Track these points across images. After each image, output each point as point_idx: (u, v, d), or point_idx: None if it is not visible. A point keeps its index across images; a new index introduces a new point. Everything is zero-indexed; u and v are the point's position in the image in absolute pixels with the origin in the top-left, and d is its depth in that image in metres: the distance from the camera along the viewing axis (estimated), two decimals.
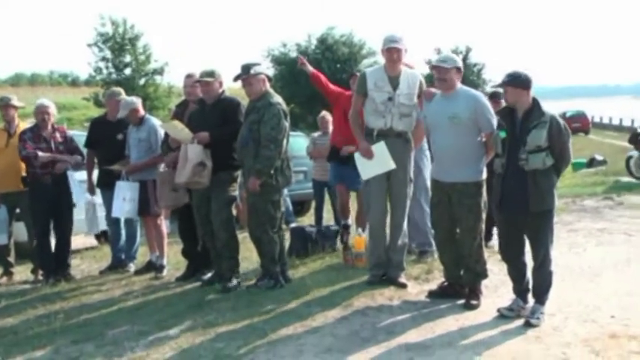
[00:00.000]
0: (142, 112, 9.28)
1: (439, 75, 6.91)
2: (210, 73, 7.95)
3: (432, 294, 7.21)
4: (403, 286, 7.48)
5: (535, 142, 6.24)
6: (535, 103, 6.37)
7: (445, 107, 6.87)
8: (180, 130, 7.91)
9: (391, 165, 7.36)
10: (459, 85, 6.99)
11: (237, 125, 7.73)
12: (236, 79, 7.76)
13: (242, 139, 7.57)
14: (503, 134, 6.44)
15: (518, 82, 6.39)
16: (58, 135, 9.34)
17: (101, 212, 9.88)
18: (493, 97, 8.92)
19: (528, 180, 6.30)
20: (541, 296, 6.48)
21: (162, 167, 8.57)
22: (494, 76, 58.42)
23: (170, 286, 8.41)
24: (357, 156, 7.57)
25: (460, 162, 6.84)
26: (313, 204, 12.57)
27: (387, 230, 7.82)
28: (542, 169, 6.28)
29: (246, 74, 7.58)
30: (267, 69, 7.60)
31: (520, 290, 6.67)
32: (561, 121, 6.35)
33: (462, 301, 6.95)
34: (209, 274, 8.30)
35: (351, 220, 9.98)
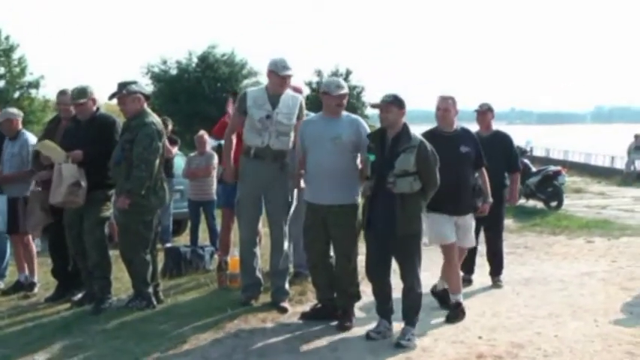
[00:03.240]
0: (19, 125, 9.05)
1: (339, 101, 7.00)
2: (82, 93, 7.81)
3: (305, 316, 7.24)
4: (284, 310, 7.45)
5: (403, 166, 6.37)
6: (405, 127, 6.52)
7: (327, 128, 6.93)
8: (53, 149, 7.74)
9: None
10: None
11: (112, 144, 7.62)
12: (111, 97, 7.70)
13: (115, 158, 7.47)
14: (372, 157, 6.54)
15: (400, 102, 6.53)
16: None
17: None
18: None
19: (396, 203, 6.41)
20: (411, 318, 6.59)
21: (32, 186, 8.37)
22: (372, 98, 58.82)
23: (39, 307, 8.16)
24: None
25: (338, 184, 6.87)
26: (189, 224, 12.47)
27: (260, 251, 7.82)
28: (410, 193, 6.41)
29: (120, 93, 7.50)
30: (147, 86, 7.41)
31: (384, 311, 6.77)
32: (429, 147, 6.49)
33: (335, 323, 7.00)
34: (79, 295, 8.12)
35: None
